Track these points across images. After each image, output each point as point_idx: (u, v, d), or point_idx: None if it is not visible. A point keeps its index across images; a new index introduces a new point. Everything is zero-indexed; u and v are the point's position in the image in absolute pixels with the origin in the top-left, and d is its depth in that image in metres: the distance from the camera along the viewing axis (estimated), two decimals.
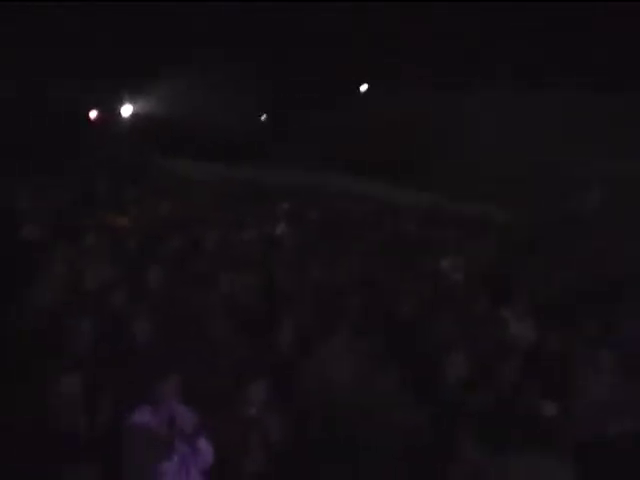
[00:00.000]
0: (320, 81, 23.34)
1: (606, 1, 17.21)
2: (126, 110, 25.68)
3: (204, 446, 4.95)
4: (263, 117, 26.91)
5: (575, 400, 6.23)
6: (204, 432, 4.98)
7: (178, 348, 6.25)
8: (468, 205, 17.14)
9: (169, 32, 21.39)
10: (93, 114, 25.71)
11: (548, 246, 13.05)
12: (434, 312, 7.94)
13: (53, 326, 6.18)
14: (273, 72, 23.68)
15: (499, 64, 19.71)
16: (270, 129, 26.08)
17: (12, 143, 16.82)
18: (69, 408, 5.25)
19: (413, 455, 5.48)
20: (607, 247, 12.27)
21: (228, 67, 22.43)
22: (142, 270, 7.71)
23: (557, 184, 16.53)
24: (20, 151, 15.89)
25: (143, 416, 4.92)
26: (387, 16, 21.01)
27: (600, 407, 6.05)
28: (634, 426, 5.75)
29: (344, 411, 6.03)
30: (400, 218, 15.17)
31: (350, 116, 23.45)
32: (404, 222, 14.85)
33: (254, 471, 5.27)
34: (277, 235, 11.12)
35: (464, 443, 5.30)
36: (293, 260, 9.22)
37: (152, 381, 5.05)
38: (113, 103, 25.30)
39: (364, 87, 26.16)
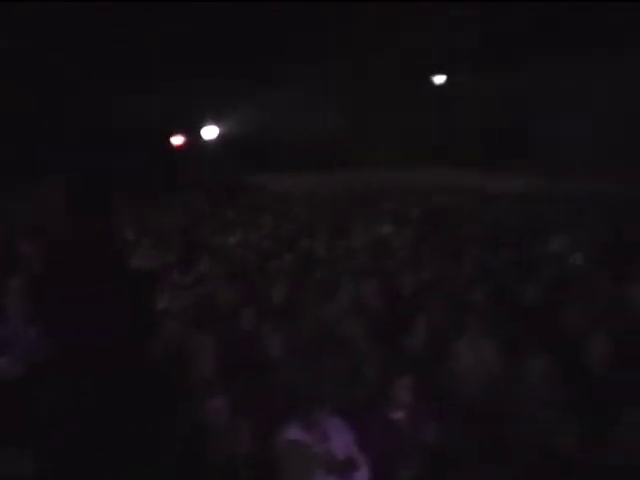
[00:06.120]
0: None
1: None
2: (210, 132, 26.05)
3: (361, 464, 4.87)
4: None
5: None
6: (359, 447, 4.92)
7: (312, 360, 6.23)
8: (569, 184, 16.54)
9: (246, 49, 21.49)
10: (177, 140, 26.25)
11: None
12: (560, 296, 7.67)
13: (183, 352, 6.21)
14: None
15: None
16: (351, 132, 25.88)
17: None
18: (219, 431, 5.27)
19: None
20: None
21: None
22: (263, 286, 7.75)
23: None
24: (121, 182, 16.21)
25: (295, 433, 4.88)
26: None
27: None
28: None
29: (487, 408, 5.87)
30: (501, 206, 14.83)
31: (432, 108, 22.99)
32: (505, 209, 14.52)
33: (409, 477, 5.15)
34: (385, 237, 11.00)
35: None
36: (408, 260, 9.09)
37: (298, 396, 5.03)
38: (197, 126, 25.72)
39: (440, 79, 25.45)
